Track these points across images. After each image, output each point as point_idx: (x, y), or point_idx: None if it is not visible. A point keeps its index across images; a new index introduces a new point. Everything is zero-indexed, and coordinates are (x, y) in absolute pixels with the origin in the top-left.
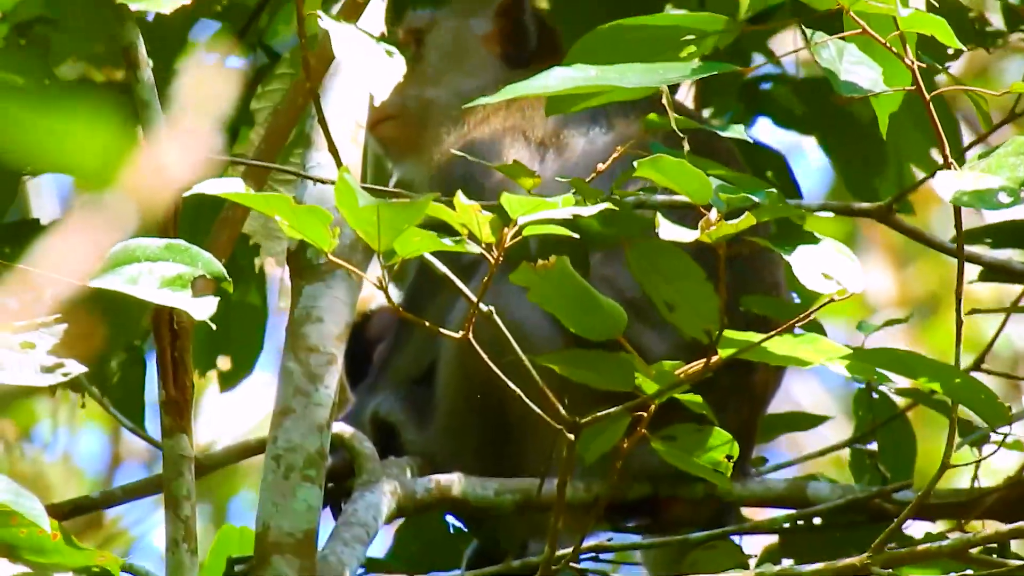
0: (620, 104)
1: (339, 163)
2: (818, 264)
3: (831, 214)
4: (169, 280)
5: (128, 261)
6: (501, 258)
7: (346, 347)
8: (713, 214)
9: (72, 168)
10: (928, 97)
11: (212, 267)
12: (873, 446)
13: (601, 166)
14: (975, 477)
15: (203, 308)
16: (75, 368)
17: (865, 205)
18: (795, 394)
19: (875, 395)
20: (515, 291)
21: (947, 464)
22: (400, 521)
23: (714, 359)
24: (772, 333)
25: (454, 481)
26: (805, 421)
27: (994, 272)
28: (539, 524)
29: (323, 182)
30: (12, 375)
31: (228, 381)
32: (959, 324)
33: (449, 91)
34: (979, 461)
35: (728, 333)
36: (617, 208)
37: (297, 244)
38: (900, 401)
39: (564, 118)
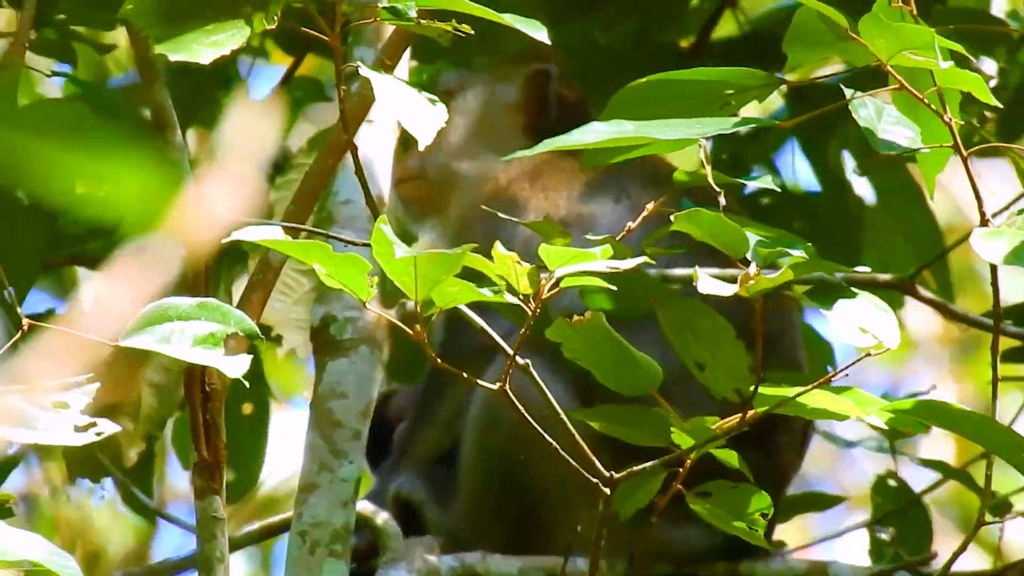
0: (643, 182)
1: (375, 213)
2: (855, 319)
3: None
4: (202, 339)
5: (160, 320)
6: (538, 311)
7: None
8: (752, 268)
9: (116, 212)
10: (966, 155)
11: (245, 325)
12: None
13: (632, 224)
14: (998, 548)
15: (236, 366)
16: (108, 428)
17: (887, 277)
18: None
19: (893, 482)
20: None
21: (972, 535)
22: None
23: (750, 413)
24: (809, 387)
25: (478, 559)
26: (822, 502)
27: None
28: None
29: (354, 244)
30: (46, 435)
31: (234, 496)
32: (995, 387)
33: (472, 157)
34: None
35: (762, 388)
36: (651, 260)
37: (320, 321)
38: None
39: (586, 197)
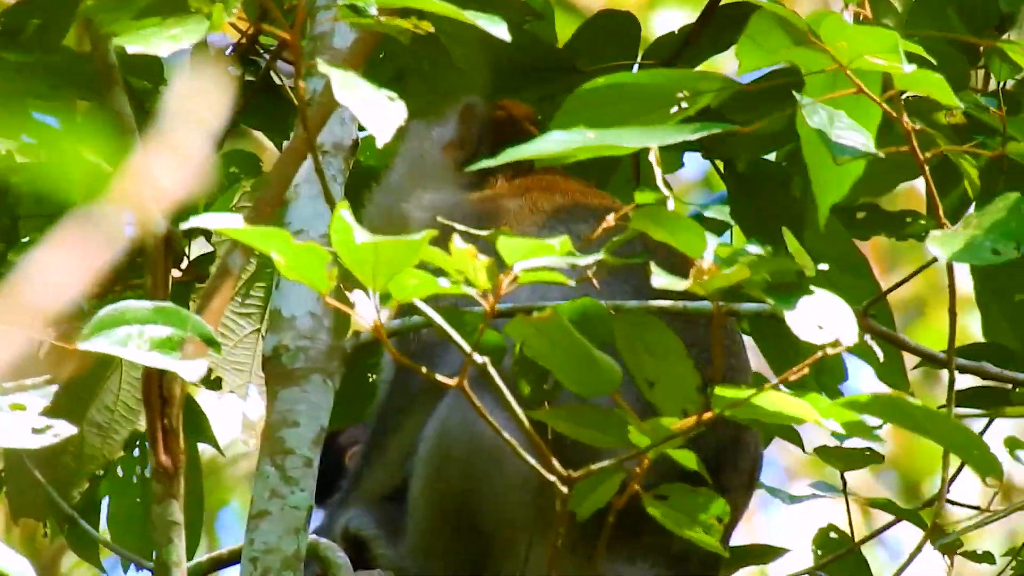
0: (595, 222)
1: (331, 203)
2: (814, 316)
3: None
4: (159, 342)
5: (117, 324)
6: (497, 304)
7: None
8: (707, 263)
9: (61, 183)
10: (923, 159)
11: (202, 330)
12: None
13: (591, 234)
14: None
15: (193, 371)
16: (65, 430)
17: None
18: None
19: (834, 534)
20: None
21: (906, 564)
22: None
23: (706, 415)
24: (766, 386)
25: None
26: (767, 554)
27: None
28: None
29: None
30: (2, 437)
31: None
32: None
33: (417, 196)
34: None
35: (719, 389)
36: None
37: (272, 351)
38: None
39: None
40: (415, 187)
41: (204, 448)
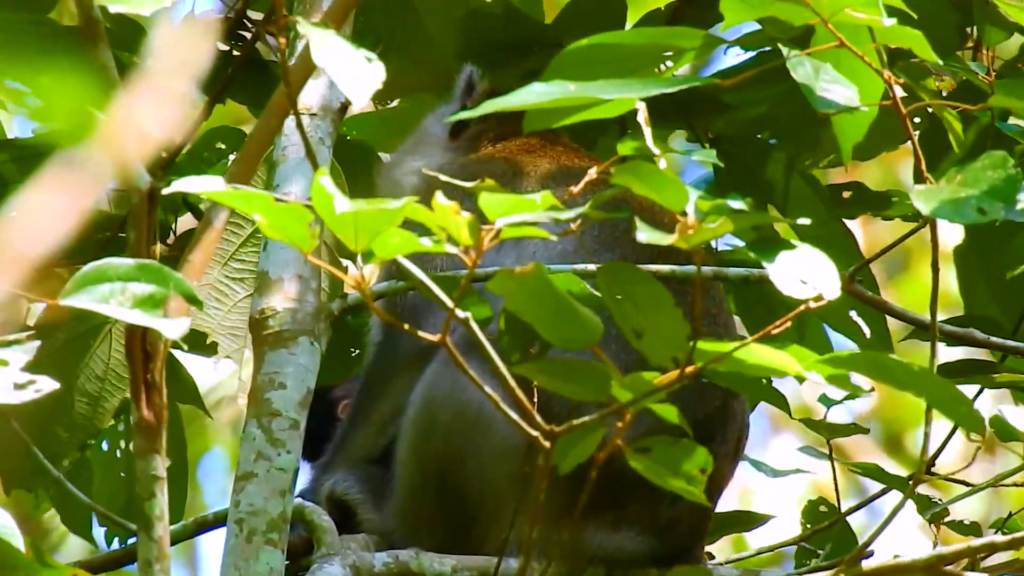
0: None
1: (315, 166)
2: (796, 270)
3: None
4: (141, 300)
5: (100, 280)
6: (479, 261)
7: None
8: (691, 218)
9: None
10: (904, 112)
11: (184, 288)
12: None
13: (575, 188)
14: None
15: (175, 328)
16: (47, 385)
17: None
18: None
19: (824, 508)
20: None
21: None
22: None
23: (689, 369)
24: (748, 339)
25: (412, 556)
26: (751, 521)
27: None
28: None
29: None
30: None
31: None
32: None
33: (404, 165)
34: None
35: (702, 344)
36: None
37: (259, 313)
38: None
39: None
40: (410, 156)
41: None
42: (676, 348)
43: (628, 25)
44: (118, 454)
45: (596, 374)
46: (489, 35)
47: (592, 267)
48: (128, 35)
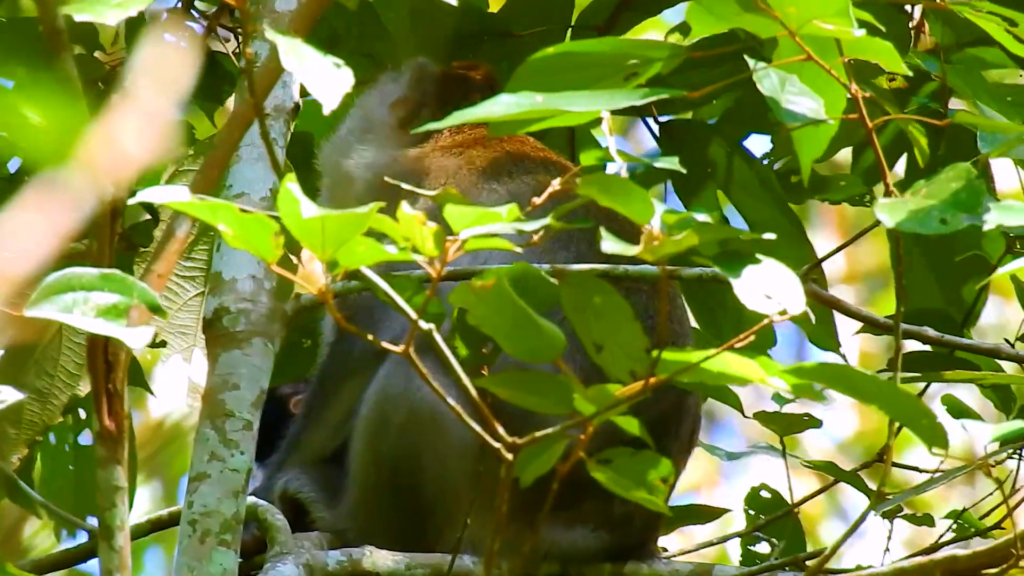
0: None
1: (279, 173)
2: (761, 285)
3: None
4: (105, 310)
5: (64, 290)
6: (443, 271)
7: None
8: (656, 230)
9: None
10: (871, 126)
11: (147, 297)
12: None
13: (537, 200)
14: (887, 550)
15: (138, 338)
16: (11, 396)
17: None
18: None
19: (765, 493)
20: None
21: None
22: None
23: (652, 380)
24: (715, 351)
25: (366, 554)
26: (703, 514)
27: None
28: None
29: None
30: None
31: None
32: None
33: (360, 152)
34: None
35: (666, 354)
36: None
37: (213, 313)
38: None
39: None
40: (358, 143)
41: (169, 412)
42: (634, 362)
43: (575, 13)
44: (67, 448)
45: (558, 386)
46: (437, 24)
47: (546, 267)
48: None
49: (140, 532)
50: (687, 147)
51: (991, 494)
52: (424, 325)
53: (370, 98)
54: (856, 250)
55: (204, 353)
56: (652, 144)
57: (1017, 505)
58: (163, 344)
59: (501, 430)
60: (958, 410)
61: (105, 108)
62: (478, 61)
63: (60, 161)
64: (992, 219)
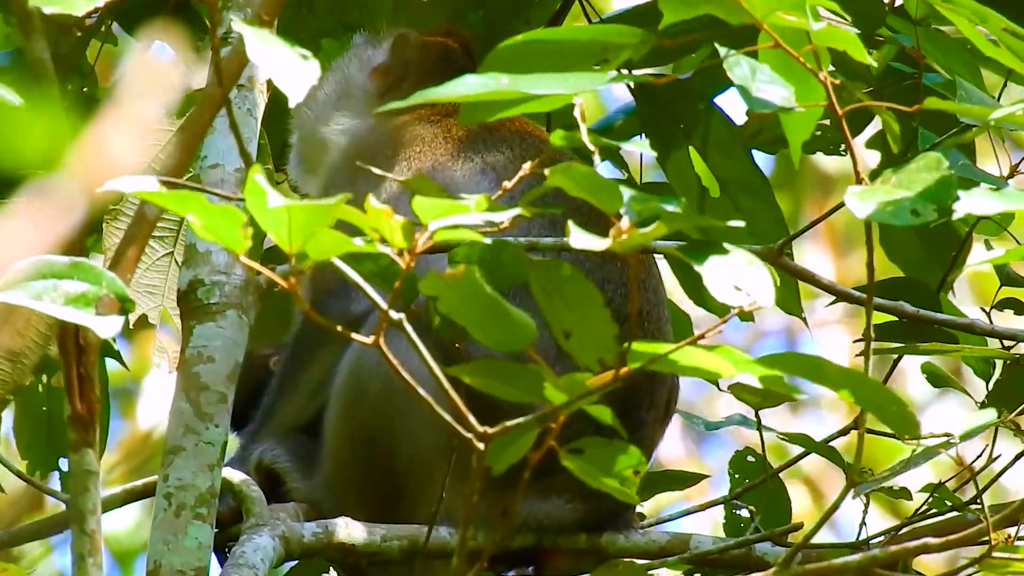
0: (511, 154)
1: (248, 163)
2: (730, 276)
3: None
4: (74, 298)
5: (34, 277)
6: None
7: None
8: (625, 222)
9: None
10: (841, 113)
11: (116, 287)
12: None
13: (508, 184)
14: (863, 524)
15: (107, 326)
16: None
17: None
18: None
19: (751, 457)
20: (403, 348)
21: (834, 509)
22: (288, 566)
23: (623, 370)
24: (682, 343)
25: (340, 525)
26: (682, 480)
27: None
28: (425, 573)
29: (228, 199)
30: None
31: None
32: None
33: (337, 120)
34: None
35: (636, 345)
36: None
37: (188, 285)
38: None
39: (450, 165)
40: (335, 109)
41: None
42: (603, 349)
43: None
44: (40, 388)
45: (530, 375)
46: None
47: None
48: None
49: (114, 503)
50: (662, 102)
51: (965, 469)
52: (394, 315)
53: (349, 63)
54: (846, 260)
55: (173, 313)
56: (629, 98)
57: (989, 484)
58: (131, 304)
59: (473, 420)
60: (938, 377)
61: (94, 116)
62: (456, 28)
63: (37, 157)
64: (963, 208)
